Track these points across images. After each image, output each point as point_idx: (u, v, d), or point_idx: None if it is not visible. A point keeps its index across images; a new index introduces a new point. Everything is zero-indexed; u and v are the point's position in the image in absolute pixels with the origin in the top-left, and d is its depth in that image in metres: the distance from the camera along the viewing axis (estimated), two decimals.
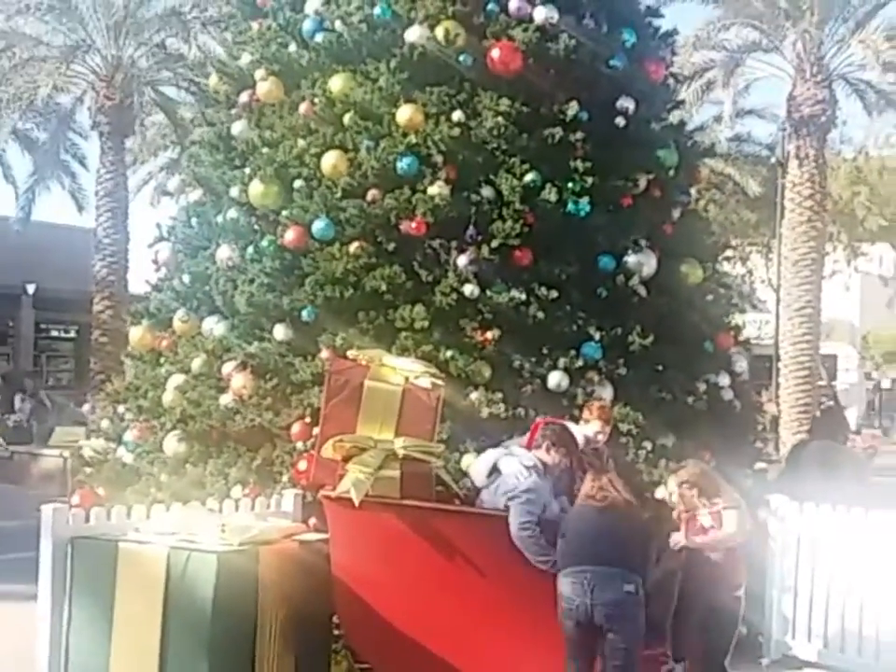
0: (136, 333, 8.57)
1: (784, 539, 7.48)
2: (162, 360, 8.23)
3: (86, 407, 12.06)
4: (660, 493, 6.08)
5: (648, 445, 7.13)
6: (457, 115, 7.38)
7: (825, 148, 21.07)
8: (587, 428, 6.41)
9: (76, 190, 25.14)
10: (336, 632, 6.23)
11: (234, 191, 7.95)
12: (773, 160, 24.18)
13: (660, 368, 7.65)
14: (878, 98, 22.22)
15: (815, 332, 19.08)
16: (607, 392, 7.21)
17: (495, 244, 7.25)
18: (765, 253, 32.02)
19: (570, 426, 6.33)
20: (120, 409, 8.41)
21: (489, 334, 7.13)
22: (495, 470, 5.94)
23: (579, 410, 6.79)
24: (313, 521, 6.44)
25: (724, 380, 8.08)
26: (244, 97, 8.33)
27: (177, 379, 7.77)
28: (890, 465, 20.97)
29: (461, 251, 7.24)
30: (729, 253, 9.76)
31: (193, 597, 5.45)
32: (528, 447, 6.05)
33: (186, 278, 8.28)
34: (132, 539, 5.81)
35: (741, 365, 8.50)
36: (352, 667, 6.44)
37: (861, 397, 38.44)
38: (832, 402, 21.09)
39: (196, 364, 7.72)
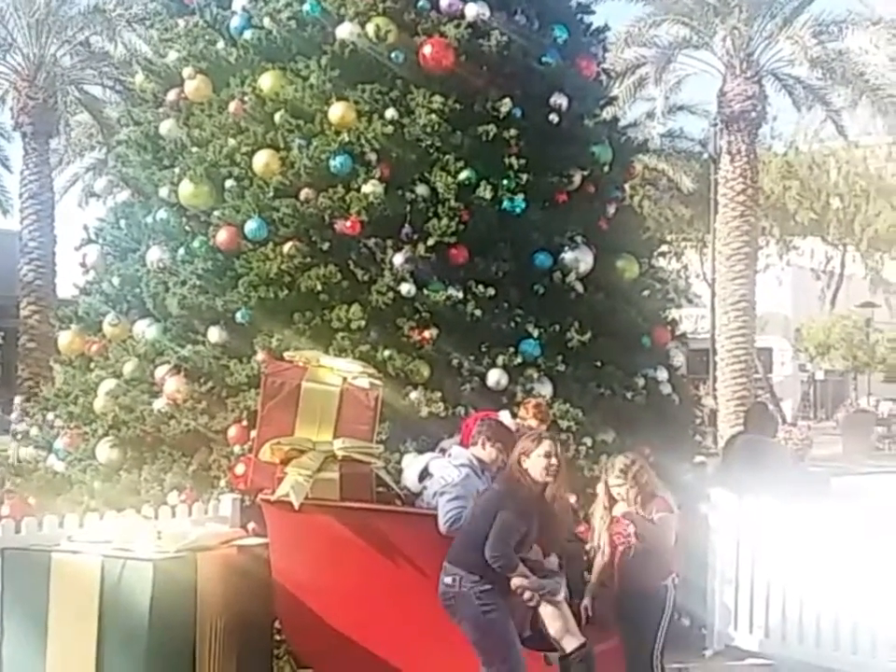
0: (65, 338, 8.40)
1: (724, 532, 7.53)
2: (93, 365, 8.07)
3: (14, 415, 11.83)
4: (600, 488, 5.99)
5: (588, 441, 7.13)
6: (390, 112, 7.32)
7: (756, 144, 21.40)
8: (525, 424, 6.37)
9: None
10: (278, 637, 6.15)
11: (164, 192, 7.82)
12: (705, 155, 24.52)
13: (598, 364, 7.67)
14: (807, 93, 22.64)
15: (750, 326, 19.37)
16: (546, 389, 7.20)
17: (430, 242, 7.21)
18: (700, 248, 32.54)
19: (505, 419, 6.30)
20: (50, 416, 8.23)
21: (427, 333, 7.09)
22: (426, 474, 5.89)
23: (517, 408, 6.77)
24: (252, 525, 6.35)
25: (662, 374, 8.13)
26: (171, 95, 8.19)
27: (109, 384, 7.61)
28: (826, 455, 21.39)
29: (397, 250, 7.19)
30: (664, 248, 9.80)
31: (129, 607, 5.33)
32: (464, 444, 6.00)
33: (115, 281, 8.12)
34: (65, 548, 5.67)
35: (678, 359, 8.55)
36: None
37: (796, 389, 39.22)
38: (767, 395, 21.46)
39: (128, 369, 7.57)
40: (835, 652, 6.94)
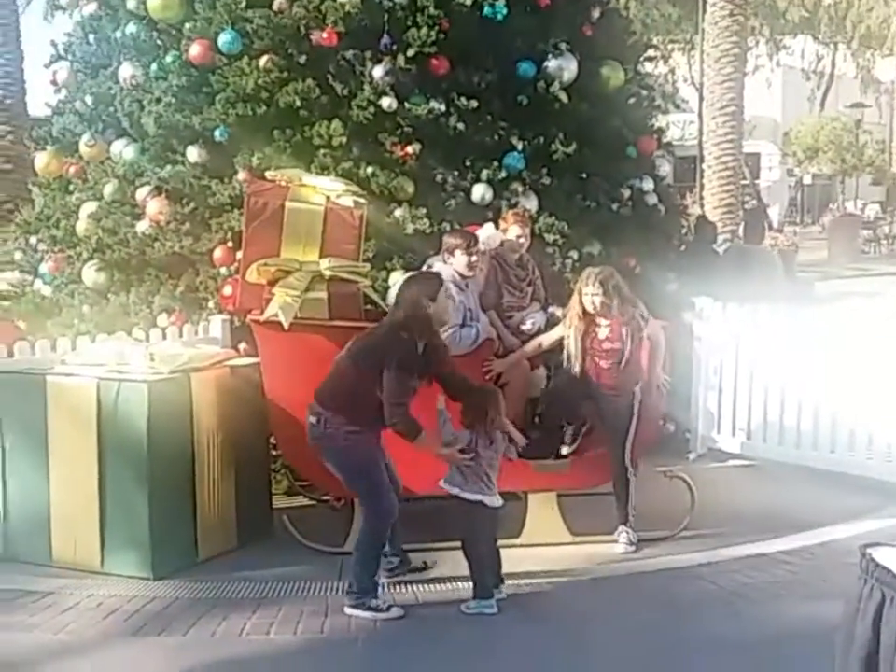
0: (42, 160, 8.23)
1: (708, 339, 7.66)
2: (72, 188, 7.94)
3: None
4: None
5: (574, 254, 7.13)
6: None
7: None
8: (508, 234, 6.33)
9: None
10: (274, 453, 6.32)
11: (131, 3, 7.50)
12: None
13: (583, 175, 7.58)
14: None
15: (738, 131, 19.02)
16: (531, 203, 7.15)
17: (410, 52, 6.98)
18: (687, 50, 31.72)
19: (488, 230, 6.27)
20: (33, 240, 8.16)
21: (409, 148, 6.96)
22: None
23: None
24: (243, 346, 6.42)
25: (648, 184, 8.05)
26: None
27: (90, 207, 7.52)
28: (812, 260, 21.56)
29: (376, 62, 6.97)
30: (651, 53, 9.50)
31: (127, 427, 5.44)
32: None
33: (88, 99, 7.90)
34: (59, 371, 5.74)
35: (664, 168, 8.46)
36: (293, 485, 6.57)
37: (783, 194, 39.02)
38: (755, 201, 21.40)
39: (108, 190, 7.46)
40: (814, 452, 7.20)
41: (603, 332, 5.78)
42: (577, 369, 5.77)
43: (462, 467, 4.99)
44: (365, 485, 5.03)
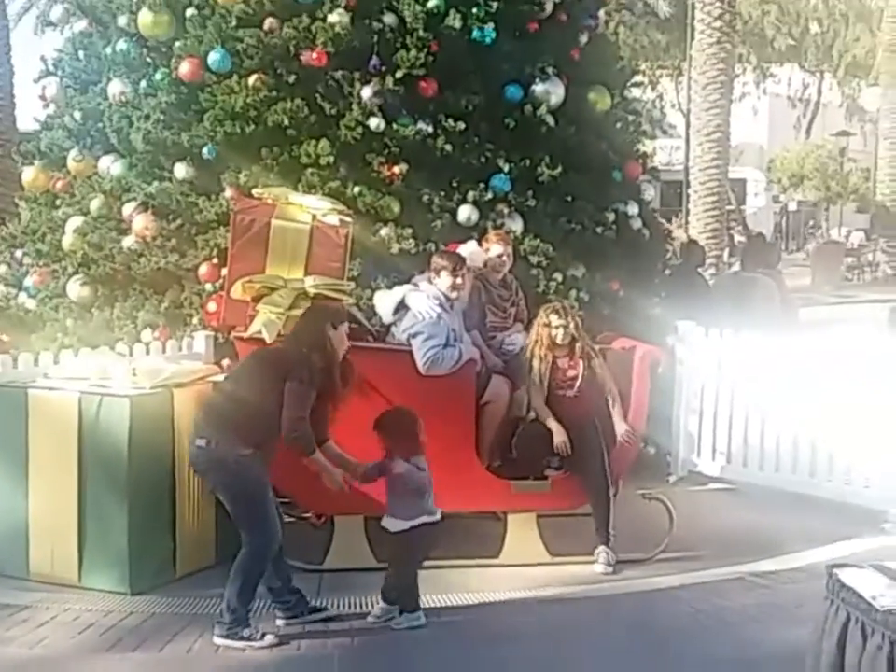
0: (29, 174, 8.25)
1: (690, 363, 7.71)
2: (59, 202, 7.96)
3: None
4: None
5: (558, 277, 7.19)
6: None
7: None
8: (490, 253, 6.39)
9: None
10: None
11: (122, 21, 7.55)
12: None
13: (569, 199, 7.64)
14: None
15: (724, 157, 19.18)
16: (517, 224, 7.20)
17: (399, 74, 7.05)
18: (675, 76, 31.98)
19: (470, 247, 6.33)
20: (18, 253, 8.16)
21: (396, 168, 7.02)
22: (402, 306, 5.94)
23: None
24: (226, 362, 6.42)
25: (633, 209, 8.12)
26: None
27: (76, 221, 7.53)
28: (795, 286, 21.63)
29: (365, 82, 7.04)
30: (638, 78, 9.61)
31: (108, 442, 5.44)
32: None
33: (77, 115, 7.93)
34: (41, 385, 5.73)
35: (650, 193, 8.55)
36: (273, 501, 6.55)
37: (768, 220, 39.20)
38: (740, 227, 21.51)
39: (94, 205, 7.48)
40: (793, 476, 7.23)
41: (563, 362, 6.00)
42: (540, 401, 5.93)
43: (401, 496, 5.02)
44: (252, 510, 4.86)
